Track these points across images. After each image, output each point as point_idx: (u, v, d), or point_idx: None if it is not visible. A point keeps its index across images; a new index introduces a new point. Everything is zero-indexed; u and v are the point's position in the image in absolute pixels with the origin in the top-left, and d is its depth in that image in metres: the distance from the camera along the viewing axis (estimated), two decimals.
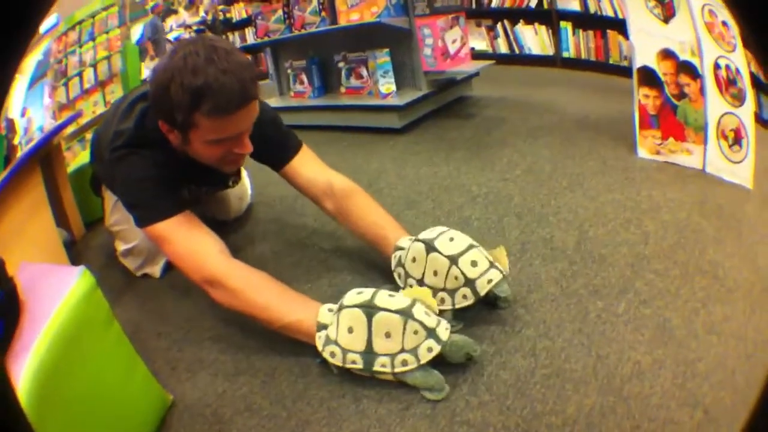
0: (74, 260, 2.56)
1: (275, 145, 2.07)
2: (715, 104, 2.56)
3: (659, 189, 2.62)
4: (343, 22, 4.04)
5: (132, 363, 1.51)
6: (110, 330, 1.45)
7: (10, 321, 1.25)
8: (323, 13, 4.14)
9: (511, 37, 5.34)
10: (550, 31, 5.06)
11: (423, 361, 1.57)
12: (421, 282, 1.86)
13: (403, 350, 1.57)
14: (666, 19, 2.66)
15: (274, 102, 4.66)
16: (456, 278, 1.79)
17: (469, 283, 1.78)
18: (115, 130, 1.84)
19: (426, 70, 3.93)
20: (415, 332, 1.57)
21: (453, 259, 1.79)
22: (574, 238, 2.39)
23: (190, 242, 1.72)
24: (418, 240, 1.87)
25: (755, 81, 2.90)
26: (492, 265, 1.80)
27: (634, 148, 2.99)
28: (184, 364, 1.84)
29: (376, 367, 1.58)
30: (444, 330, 1.60)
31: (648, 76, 2.87)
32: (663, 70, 2.78)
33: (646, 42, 2.83)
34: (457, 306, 1.80)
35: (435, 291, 1.80)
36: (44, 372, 1.17)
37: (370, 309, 1.59)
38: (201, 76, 1.56)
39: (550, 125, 3.61)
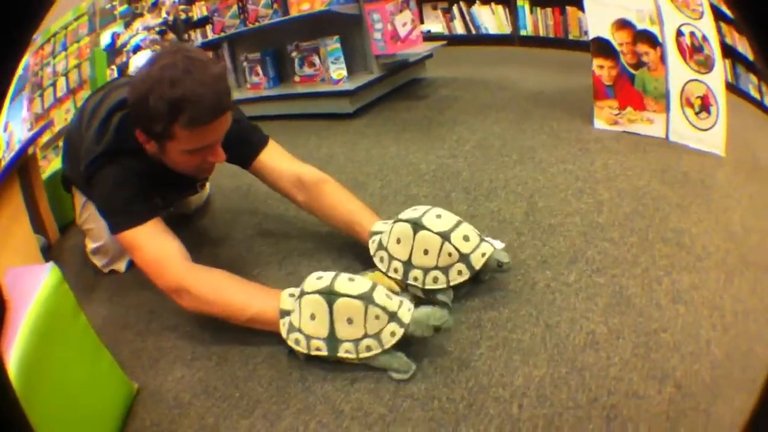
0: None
1: (240, 144, 2.02)
2: (678, 72, 2.45)
3: (616, 158, 2.48)
4: (294, 12, 3.98)
5: (98, 353, 1.54)
6: (77, 321, 1.49)
7: None
8: (275, 6, 4.07)
9: (468, 18, 5.20)
10: (507, 9, 4.94)
11: (386, 346, 1.52)
12: (408, 263, 1.77)
13: (366, 335, 1.52)
14: None
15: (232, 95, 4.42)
16: (450, 255, 1.71)
17: (464, 258, 1.71)
18: (93, 140, 1.85)
19: (377, 54, 3.84)
20: (377, 317, 1.51)
21: (445, 236, 1.72)
22: (522, 210, 2.24)
23: (155, 251, 1.73)
24: (401, 220, 1.79)
25: (730, 51, 2.87)
26: (482, 238, 1.74)
27: (591, 120, 2.86)
28: (146, 353, 1.85)
29: (341, 354, 1.54)
30: (406, 312, 1.54)
31: (602, 47, 2.74)
32: (618, 40, 2.67)
33: (600, 13, 2.73)
34: (452, 283, 1.73)
35: (426, 270, 1.74)
36: (23, 364, 1.22)
37: (330, 295, 1.54)
38: (179, 89, 1.58)
39: (503, 102, 3.48)
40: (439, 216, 1.77)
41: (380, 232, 1.88)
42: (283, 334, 1.61)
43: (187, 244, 1.83)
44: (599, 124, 2.80)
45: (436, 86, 4.03)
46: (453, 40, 5.03)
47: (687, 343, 1.47)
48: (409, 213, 1.80)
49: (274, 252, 2.29)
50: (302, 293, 1.59)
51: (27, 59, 4.41)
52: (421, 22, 5.36)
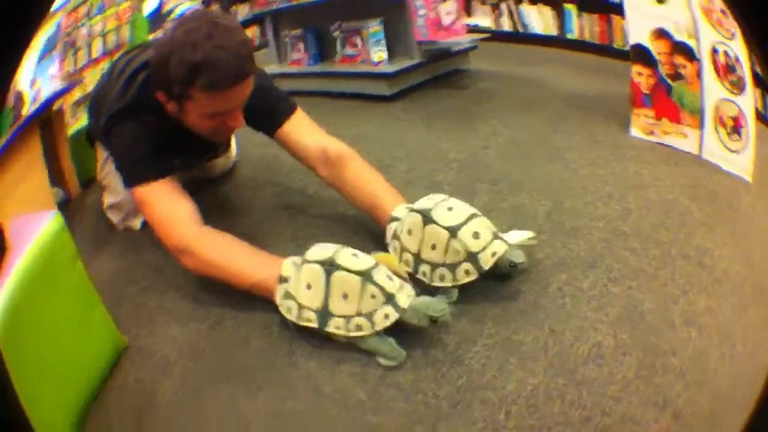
0: (68, 216, 2.33)
1: (265, 111, 1.98)
2: (713, 89, 2.28)
3: (648, 168, 2.32)
4: None
5: (91, 303, 1.54)
6: (74, 269, 1.48)
7: None
8: None
9: (515, 16, 5.04)
10: (554, 11, 4.75)
11: (378, 328, 1.45)
12: (418, 257, 1.67)
13: (359, 314, 1.45)
14: (660, 0, 2.42)
15: (272, 68, 4.52)
16: (457, 252, 1.59)
17: (472, 257, 1.59)
18: (117, 95, 1.87)
19: (419, 40, 3.68)
20: (373, 296, 1.45)
21: (452, 231, 1.60)
22: (546, 208, 2.10)
23: (165, 209, 1.72)
24: (414, 210, 1.68)
25: (758, 80, 2.60)
26: (496, 236, 1.61)
27: (627, 128, 2.69)
28: (145, 310, 1.82)
29: (330, 329, 1.47)
30: (405, 297, 1.47)
31: (641, 55, 2.58)
32: (657, 49, 2.51)
33: (639, 20, 2.57)
34: (459, 282, 1.62)
35: (434, 266, 1.64)
36: (12, 303, 1.22)
37: (330, 266, 1.48)
38: (199, 52, 1.56)
39: (542, 100, 3.31)
40: (450, 208, 1.65)
41: (398, 219, 1.78)
42: (278, 300, 1.57)
43: (204, 208, 1.80)
44: (635, 132, 2.64)
45: (477, 78, 3.88)
46: (500, 36, 4.90)
47: (694, 370, 1.35)
48: (423, 202, 1.70)
49: (289, 224, 2.22)
50: (303, 261, 1.54)
51: (60, 19, 4.24)
52: (469, 15, 5.24)
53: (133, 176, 1.78)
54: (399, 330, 1.46)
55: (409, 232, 1.68)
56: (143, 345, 1.66)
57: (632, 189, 2.16)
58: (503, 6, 5.05)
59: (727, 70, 2.19)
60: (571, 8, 4.55)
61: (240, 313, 1.70)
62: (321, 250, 1.53)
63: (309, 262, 1.51)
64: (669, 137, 2.50)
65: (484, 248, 1.58)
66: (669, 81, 2.47)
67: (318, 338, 1.53)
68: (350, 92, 3.91)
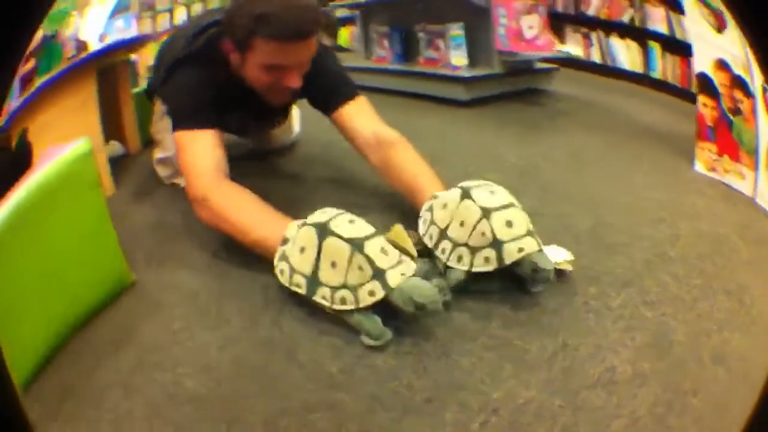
0: (120, 169, 2.45)
1: (327, 90, 1.88)
2: (765, 130, 1.95)
3: (705, 201, 1.99)
4: None
5: (103, 231, 1.44)
6: (92, 193, 1.39)
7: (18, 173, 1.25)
8: None
9: (604, 48, 4.68)
10: (640, 49, 4.36)
11: (361, 305, 1.21)
12: (443, 232, 1.42)
13: (344, 285, 1.23)
14: (719, 29, 2.11)
15: (358, 63, 4.37)
16: (483, 234, 1.34)
17: (497, 244, 1.33)
18: (185, 45, 1.80)
19: (499, 50, 3.45)
20: (360, 268, 1.21)
21: (486, 212, 1.35)
22: (591, 221, 1.80)
23: (197, 157, 1.61)
24: (458, 187, 1.45)
25: None
26: (530, 233, 1.34)
27: (692, 162, 2.35)
28: (160, 255, 1.69)
29: (317, 298, 1.26)
30: (397, 275, 1.22)
31: (705, 85, 2.25)
32: (719, 80, 2.18)
33: (703, 48, 2.25)
34: (474, 269, 1.35)
35: (456, 245, 1.38)
36: (18, 208, 1.16)
37: (323, 231, 1.27)
38: (268, 5, 1.53)
39: (614, 126, 2.98)
40: (493, 192, 1.42)
41: (437, 197, 1.53)
42: (275, 260, 1.37)
43: (249, 172, 1.73)
44: (699, 167, 2.30)
45: (555, 99, 3.59)
46: (587, 66, 4.64)
47: (712, 417, 1.04)
48: (469, 182, 1.47)
49: (327, 199, 1.91)
50: (303, 224, 1.34)
51: None
52: (562, 42, 4.92)
53: (180, 120, 1.68)
54: (393, 312, 1.24)
55: (444, 206, 1.44)
56: (146, 285, 1.52)
57: (685, 217, 1.84)
58: (594, 37, 4.71)
59: None
60: (654, 46, 4.17)
61: (247, 272, 1.53)
62: (320, 214, 1.33)
63: (307, 224, 1.32)
64: (728, 176, 2.15)
65: (513, 240, 1.32)
66: (730, 115, 2.13)
67: (309, 306, 1.32)
68: (428, 94, 3.68)
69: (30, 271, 1.19)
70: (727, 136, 2.15)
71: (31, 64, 2.11)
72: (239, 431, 1.01)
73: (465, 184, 1.46)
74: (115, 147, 2.68)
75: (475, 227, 1.35)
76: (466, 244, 1.36)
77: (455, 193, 1.44)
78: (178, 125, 1.68)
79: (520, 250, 1.31)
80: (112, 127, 2.53)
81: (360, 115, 1.86)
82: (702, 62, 2.26)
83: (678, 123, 2.88)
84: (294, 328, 1.30)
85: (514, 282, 1.40)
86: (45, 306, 1.23)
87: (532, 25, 3.46)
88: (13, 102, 1.91)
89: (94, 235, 1.41)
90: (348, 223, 1.28)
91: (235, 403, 1.08)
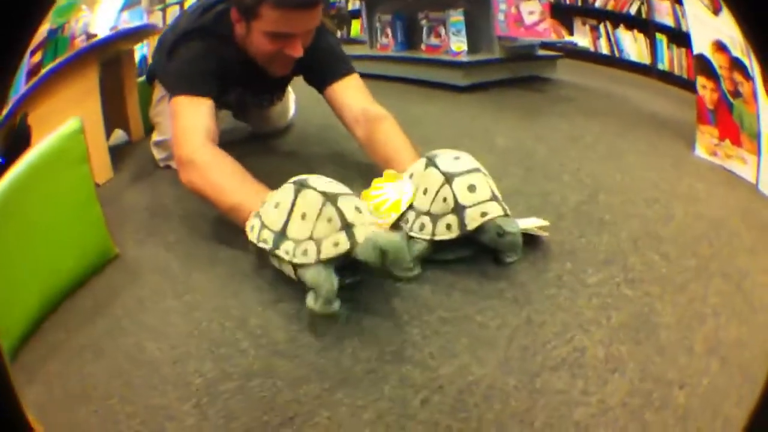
0: (120, 155, 2.47)
1: (321, 66, 1.87)
2: (766, 114, 1.82)
3: (704, 184, 1.82)
4: None
5: (89, 205, 1.48)
6: (80, 169, 1.45)
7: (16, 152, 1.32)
8: None
9: (612, 40, 4.58)
10: (647, 40, 4.27)
11: (323, 256, 1.11)
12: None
13: (310, 238, 1.14)
14: (715, 12, 2.01)
15: (363, 51, 4.32)
16: (444, 200, 1.25)
17: (459, 210, 1.24)
18: (191, 20, 1.82)
19: (498, 35, 3.38)
20: (329, 220, 1.13)
21: (448, 177, 1.27)
22: (578, 198, 1.65)
23: (187, 121, 1.60)
24: (425, 156, 1.37)
25: None
26: (495, 198, 1.25)
27: (693, 146, 2.20)
28: (144, 232, 1.69)
29: (280, 251, 1.18)
30: (366, 231, 1.11)
31: (704, 66, 2.13)
32: (718, 62, 2.05)
33: (701, 29, 2.14)
34: (437, 237, 1.26)
35: (419, 213, 1.30)
36: (12, 184, 1.22)
37: (300, 185, 1.21)
38: None
39: (616, 112, 2.84)
40: (457, 158, 1.33)
41: (408, 170, 1.46)
42: (249, 218, 1.30)
43: (244, 152, 1.71)
44: (699, 151, 2.16)
45: (558, 86, 3.45)
46: (597, 58, 4.54)
47: (701, 415, 0.89)
48: (436, 151, 1.39)
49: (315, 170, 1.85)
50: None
51: None
52: (571, 34, 4.84)
53: (178, 85, 1.68)
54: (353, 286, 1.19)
55: (411, 175, 1.38)
56: (128, 258, 1.54)
57: (682, 199, 1.68)
58: (601, 28, 4.60)
59: None
60: (662, 38, 4.08)
61: (219, 245, 1.52)
62: (301, 176, 1.27)
63: (287, 183, 1.26)
64: (730, 161, 2.00)
65: (475, 204, 1.23)
66: (730, 98, 2.00)
67: (271, 278, 1.30)
68: (429, 80, 3.58)
69: (19, 242, 1.22)
70: (728, 120, 2.01)
71: (37, 58, 2.14)
72: (183, 393, 0.99)
73: (433, 152, 1.38)
74: (119, 135, 2.70)
75: (437, 194, 1.26)
76: (428, 212, 1.28)
77: (422, 161, 1.36)
78: (176, 90, 1.66)
79: (483, 214, 1.22)
80: (116, 116, 2.56)
81: (351, 92, 1.85)
82: (700, 44, 2.14)
83: (682, 112, 2.70)
84: (251, 296, 1.26)
85: (487, 253, 1.28)
86: (32, 275, 1.26)
87: (533, 10, 3.39)
88: (20, 88, 1.97)
89: (80, 209, 1.45)
90: (327, 182, 1.22)
91: (184, 365, 1.06)
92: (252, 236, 1.26)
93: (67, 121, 1.42)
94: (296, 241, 1.16)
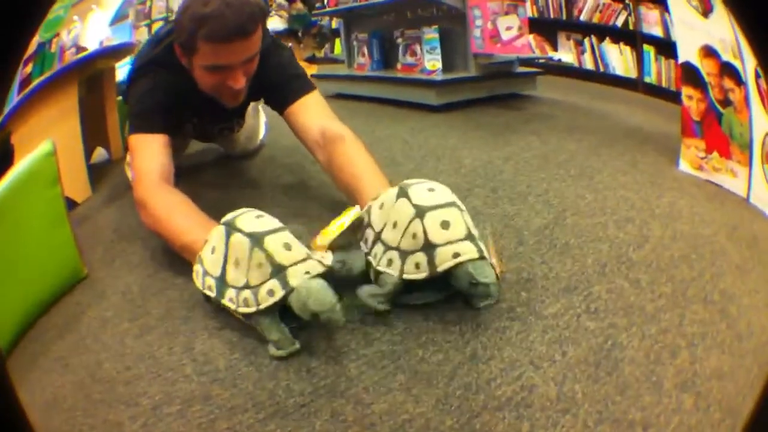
0: (100, 174, 2.56)
1: (278, 87, 1.88)
2: (759, 120, 1.78)
3: (687, 200, 1.79)
4: None
5: (59, 225, 1.58)
6: (51, 190, 1.54)
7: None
8: None
9: (597, 54, 4.60)
10: (634, 53, 4.29)
11: (261, 306, 1.12)
12: (378, 235, 1.29)
13: (247, 285, 1.15)
14: (705, 13, 1.97)
15: (342, 71, 4.44)
16: (414, 236, 1.19)
17: (428, 248, 1.17)
18: (145, 52, 1.87)
19: (474, 52, 3.37)
20: (260, 265, 1.13)
21: (420, 211, 1.20)
22: (543, 221, 1.62)
23: (144, 161, 1.66)
24: (398, 185, 1.31)
25: None
26: (471, 237, 1.18)
27: (677, 161, 2.17)
28: (113, 253, 1.79)
29: (225, 300, 1.20)
30: (300, 274, 1.11)
31: (691, 74, 2.10)
32: (706, 69, 2.02)
33: (688, 35, 2.10)
34: (405, 276, 1.19)
35: (387, 248, 1.24)
36: None
37: (229, 228, 1.21)
38: (208, 6, 1.55)
39: (596, 128, 2.80)
40: (432, 189, 1.26)
41: (377, 198, 1.40)
42: (194, 263, 1.33)
43: (207, 179, 1.92)
44: (684, 166, 2.13)
45: (538, 104, 3.45)
46: (579, 73, 4.59)
47: None
48: (411, 180, 1.32)
49: (276, 206, 1.94)
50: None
51: None
52: (555, 49, 4.88)
53: (135, 124, 1.74)
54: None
55: (381, 206, 1.31)
56: (96, 279, 1.63)
57: (660, 218, 1.63)
58: (586, 42, 4.63)
59: None
60: (649, 50, 4.10)
61: (177, 270, 1.55)
62: (232, 213, 1.27)
63: (219, 224, 1.27)
64: (718, 175, 1.97)
65: (447, 243, 1.16)
66: (719, 107, 1.96)
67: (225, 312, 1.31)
68: (403, 100, 3.60)
69: None
70: (716, 131, 1.98)
71: (29, 69, 2.21)
72: (134, 412, 1.05)
73: (406, 181, 1.32)
74: (101, 153, 2.80)
75: (406, 228, 1.20)
76: (397, 248, 1.22)
77: (393, 191, 1.30)
78: (132, 129, 1.73)
79: (455, 255, 1.15)
80: (97, 134, 2.66)
81: (310, 112, 1.85)
82: (687, 50, 2.11)
83: (667, 125, 2.68)
84: (198, 322, 1.31)
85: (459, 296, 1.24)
86: (10, 292, 1.36)
87: (511, 26, 3.37)
88: (12, 103, 2.07)
89: (51, 230, 1.55)
90: (254, 219, 1.22)
91: (135, 386, 1.12)
92: (198, 283, 1.28)
93: (41, 144, 1.52)
94: (236, 288, 1.17)
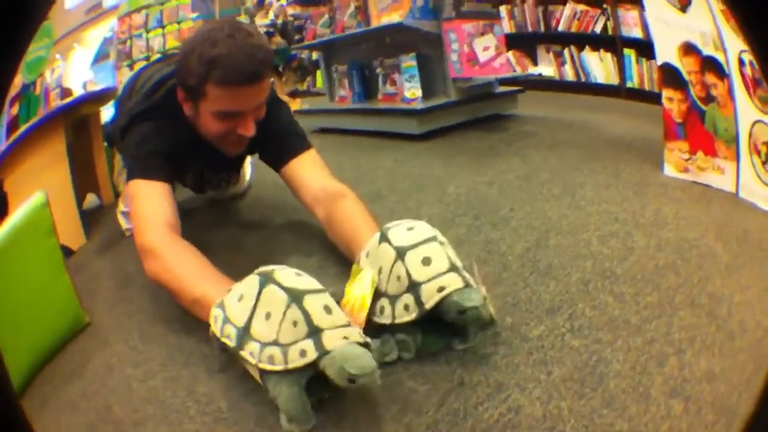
0: (93, 220, 2.68)
1: (276, 144, 1.92)
2: (745, 110, 1.85)
3: (672, 206, 1.87)
4: (375, 24, 3.82)
5: (58, 276, 1.65)
6: (48, 241, 1.61)
7: None
8: (359, 17, 3.96)
9: (577, 64, 4.70)
10: (615, 59, 4.40)
11: (290, 365, 1.08)
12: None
13: (276, 342, 1.10)
14: (683, 7, 2.03)
15: (324, 105, 4.56)
16: (398, 278, 1.23)
17: (413, 287, 1.20)
18: (143, 98, 1.86)
19: (453, 77, 3.44)
20: (295, 323, 1.09)
21: (401, 252, 1.24)
22: (525, 245, 1.71)
23: (148, 208, 1.65)
24: (380, 230, 1.36)
25: None
26: (454, 268, 1.21)
27: (661, 166, 2.25)
28: (113, 300, 1.88)
29: (245, 352, 1.15)
30: (337, 339, 1.08)
31: (671, 75, 2.17)
32: (687, 67, 2.08)
33: (666, 34, 2.16)
34: (397, 320, 1.22)
35: (379, 296, 1.27)
36: None
37: (265, 279, 1.17)
38: (217, 48, 1.56)
39: (578, 142, 2.90)
40: (411, 228, 1.30)
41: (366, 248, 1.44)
42: (212, 308, 1.28)
43: (199, 220, 2.00)
44: (668, 170, 2.21)
45: (520, 122, 3.54)
46: (560, 85, 4.70)
47: None
48: (391, 223, 1.36)
49: (275, 253, 2.02)
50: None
51: (113, 23, 4.48)
52: (535, 64, 5.01)
53: (135, 170, 1.73)
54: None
55: (367, 254, 1.35)
56: (99, 326, 1.73)
57: (644, 227, 1.72)
58: (566, 53, 4.74)
59: (755, 84, 1.76)
60: (630, 53, 4.20)
61: (176, 316, 1.61)
62: (267, 266, 1.24)
63: (253, 274, 1.23)
64: (705, 174, 2.05)
65: (430, 279, 1.19)
66: (701, 105, 2.03)
67: (221, 345, 1.30)
68: (385, 131, 3.68)
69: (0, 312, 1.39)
70: (699, 130, 2.06)
71: (15, 110, 2.30)
72: None
73: (387, 225, 1.36)
74: (92, 198, 2.90)
75: (390, 272, 1.24)
76: (385, 294, 1.25)
77: (376, 237, 1.33)
78: (133, 175, 1.72)
79: (440, 289, 1.18)
80: (87, 180, 2.76)
81: (309, 170, 1.88)
82: (665, 51, 2.18)
83: (651, 130, 2.78)
84: (199, 365, 1.39)
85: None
86: (16, 340, 1.41)
87: (488, 46, 3.45)
88: (1, 146, 2.20)
89: (50, 280, 1.62)
90: (294, 276, 1.18)
91: (143, 427, 1.21)
92: (215, 327, 1.24)
93: (32, 195, 1.58)
94: (261, 343, 1.13)
